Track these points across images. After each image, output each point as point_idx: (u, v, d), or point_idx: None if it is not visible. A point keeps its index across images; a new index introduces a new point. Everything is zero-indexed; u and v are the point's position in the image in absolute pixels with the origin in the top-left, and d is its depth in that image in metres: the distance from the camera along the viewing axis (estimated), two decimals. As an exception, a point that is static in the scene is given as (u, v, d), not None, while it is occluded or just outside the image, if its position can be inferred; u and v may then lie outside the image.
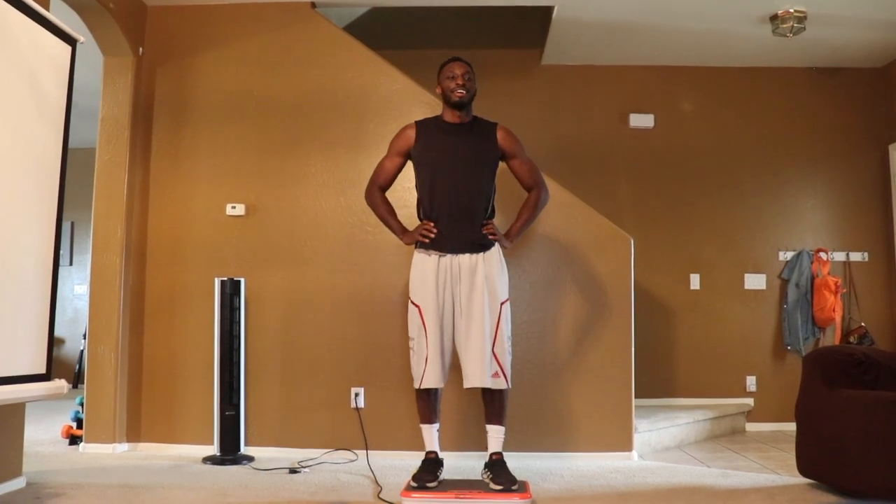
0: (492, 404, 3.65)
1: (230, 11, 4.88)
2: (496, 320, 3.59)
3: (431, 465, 3.62)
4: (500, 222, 3.84)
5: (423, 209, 3.72)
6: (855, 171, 5.97)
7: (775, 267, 5.91)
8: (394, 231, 3.82)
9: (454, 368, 3.68)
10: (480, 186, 3.67)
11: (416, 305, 3.64)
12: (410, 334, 3.67)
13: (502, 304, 3.63)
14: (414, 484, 3.49)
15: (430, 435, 3.70)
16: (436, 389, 3.66)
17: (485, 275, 3.60)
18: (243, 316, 4.51)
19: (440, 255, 3.62)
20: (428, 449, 3.69)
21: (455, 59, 3.73)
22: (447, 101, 3.70)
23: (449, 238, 3.62)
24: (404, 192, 4.57)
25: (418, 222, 3.75)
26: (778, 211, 5.95)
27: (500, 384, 3.57)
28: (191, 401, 4.63)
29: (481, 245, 3.64)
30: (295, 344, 4.65)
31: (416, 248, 3.73)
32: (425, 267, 3.64)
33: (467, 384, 3.57)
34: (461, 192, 3.63)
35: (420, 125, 3.78)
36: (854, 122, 6.00)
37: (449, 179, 3.64)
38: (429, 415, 3.70)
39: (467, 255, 3.62)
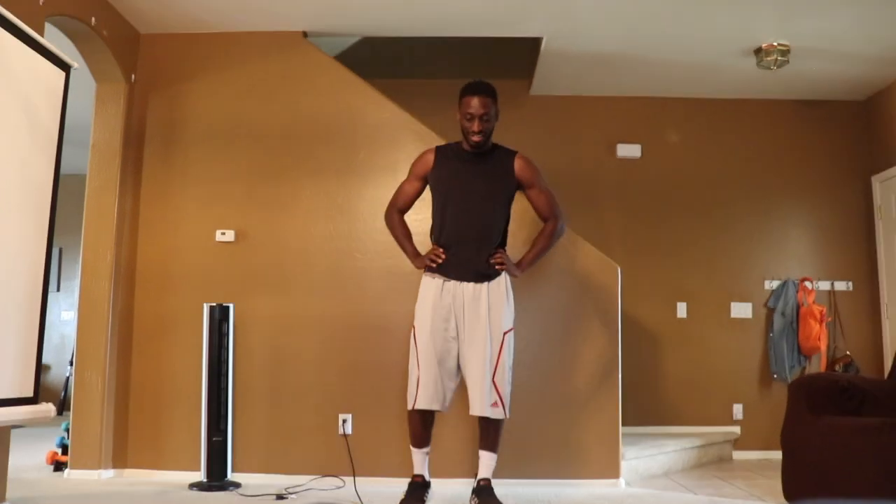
0: (487, 431, 3.64)
1: (222, 40, 4.94)
2: (498, 350, 3.58)
3: (418, 490, 3.62)
4: (514, 249, 3.86)
5: (435, 235, 3.74)
6: (839, 201, 6.05)
7: (761, 296, 5.96)
8: (407, 254, 3.85)
9: (459, 395, 3.69)
10: (492, 217, 3.69)
11: (413, 327, 3.66)
12: (410, 355, 3.69)
13: (505, 333, 3.63)
14: None
15: (420, 459, 3.69)
16: (430, 414, 3.64)
17: (488, 304, 3.60)
18: (231, 342, 4.51)
19: (445, 280, 3.63)
20: (415, 472, 3.69)
21: (474, 92, 3.64)
22: (465, 138, 3.71)
23: (456, 265, 3.63)
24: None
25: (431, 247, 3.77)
26: (763, 240, 6.01)
27: (498, 414, 3.56)
28: (178, 427, 4.61)
29: (486, 275, 3.64)
30: (283, 370, 4.64)
31: (424, 271, 3.74)
32: (428, 290, 3.66)
33: (470, 411, 3.59)
34: (472, 222, 3.65)
35: (439, 151, 3.81)
36: (838, 153, 6.08)
37: (460, 208, 3.65)
38: (419, 439, 3.68)
39: (472, 284, 3.62)
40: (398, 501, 3.56)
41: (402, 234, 3.86)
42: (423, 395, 3.54)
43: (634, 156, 6.07)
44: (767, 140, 6.11)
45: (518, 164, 3.74)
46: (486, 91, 3.65)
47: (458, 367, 3.63)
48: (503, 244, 3.75)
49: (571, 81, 5.87)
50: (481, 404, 3.51)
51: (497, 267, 3.64)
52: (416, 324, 3.66)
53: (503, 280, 3.68)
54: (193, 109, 4.90)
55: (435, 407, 3.57)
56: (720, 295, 5.96)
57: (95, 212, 4.70)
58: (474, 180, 3.67)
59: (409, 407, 3.62)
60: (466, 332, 3.59)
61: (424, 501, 3.58)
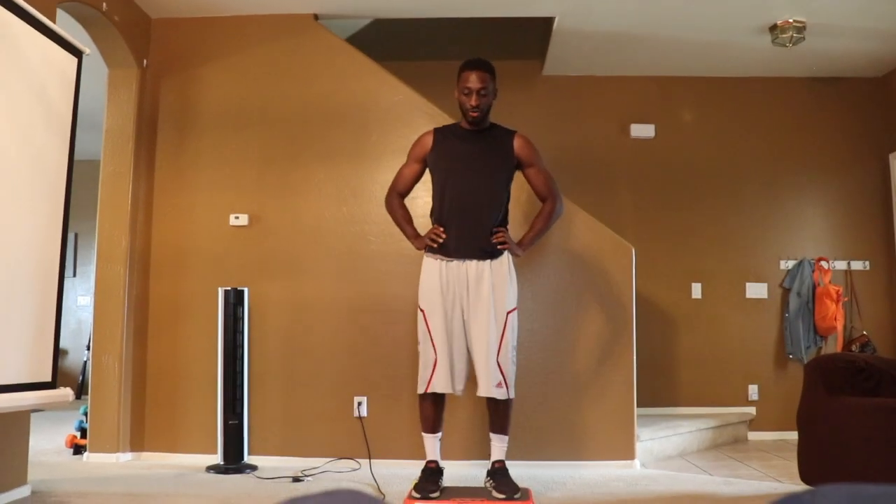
0: (496, 413, 3.63)
1: (233, 23, 4.93)
2: (501, 329, 3.57)
3: (433, 475, 3.61)
4: (513, 230, 3.85)
5: (435, 215, 3.73)
6: (855, 179, 5.99)
7: (776, 276, 5.93)
8: (407, 236, 3.83)
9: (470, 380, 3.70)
10: (492, 194, 3.66)
11: (422, 310, 3.64)
12: (418, 339, 3.67)
13: (508, 313, 3.60)
14: (416, 494, 3.49)
15: (432, 444, 3.68)
16: (441, 397, 3.64)
17: (491, 283, 3.58)
18: (246, 325, 4.53)
19: (448, 261, 3.62)
20: (429, 458, 3.67)
21: (473, 67, 3.64)
22: (463, 114, 3.71)
23: (457, 244, 3.61)
24: (407, 202, 4.61)
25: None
26: (779, 220, 5.97)
27: (502, 394, 3.54)
28: (194, 410, 4.65)
29: (489, 252, 3.62)
30: (298, 353, 4.66)
31: (425, 253, 3.72)
32: (432, 272, 3.64)
33: (478, 392, 3.59)
34: (471, 200, 3.62)
35: (438, 132, 3.80)
36: (854, 131, 6.02)
37: (460, 186, 3.64)
38: (432, 423, 3.67)
39: (475, 262, 3.60)
40: (412, 485, 3.57)
41: (402, 217, 3.83)
42: (441, 377, 3.52)
43: (648, 136, 6.03)
44: (783, 118, 6.05)
45: (518, 143, 3.74)
46: (484, 66, 3.64)
47: (467, 349, 3.62)
48: (504, 223, 3.73)
49: (584, 61, 5.83)
50: (487, 385, 3.51)
51: (499, 246, 3.61)
52: (423, 306, 3.63)
53: (506, 259, 3.66)
54: (206, 94, 4.90)
55: (449, 390, 3.56)
56: (735, 275, 5.93)
57: (109, 197, 4.72)
58: (474, 158, 3.66)
59: (422, 390, 3.59)
60: (470, 312, 3.58)
61: (440, 485, 3.59)
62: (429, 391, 3.57)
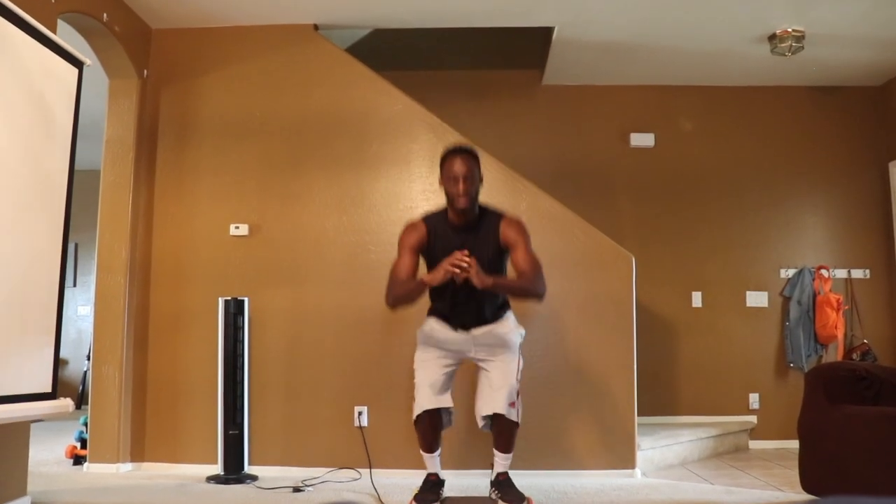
0: (501, 436, 3.53)
1: (233, 34, 4.94)
2: (517, 359, 3.53)
3: (434, 486, 3.60)
4: None
5: (434, 303, 3.67)
6: (855, 188, 6.00)
7: (777, 284, 5.93)
8: (423, 287, 3.44)
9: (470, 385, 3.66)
10: (489, 291, 3.51)
11: (418, 345, 3.63)
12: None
13: (520, 355, 3.58)
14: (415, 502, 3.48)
15: (432, 462, 3.63)
16: (437, 418, 3.52)
17: (502, 332, 3.55)
18: (247, 335, 4.52)
19: (451, 327, 3.58)
20: (429, 471, 3.65)
21: (456, 154, 3.49)
22: (450, 204, 3.51)
23: (462, 324, 3.56)
24: (406, 212, 4.62)
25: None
26: (779, 228, 5.97)
27: (514, 414, 3.45)
28: (194, 420, 4.64)
29: (494, 317, 3.58)
30: (298, 363, 4.66)
31: (427, 316, 3.67)
32: (432, 321, 3.61)
33: (484, 412, 3.48)
34: (469, 297, 3.49)
35: (428, 224, 3.59)
36: (854, 139, 6.03)
37: (458, 286, 3.43)
38: (429, 444, 3.59)
39: (483, 327, 3.57)
40: (412, 495, 3.55)
41: (413, 286, 3.46)
42: (423, 397, 3.47)
43: (648, 145, 6.04)
44: (782, 127, 6.06)
45: (503, 227, 3.52)
46: (467, 152, 3.50)
47: (452, 378, 3.60)
48: (505, 302, 3.67)
49: (584, 71, 5.84)
50: (502, 402, 3.40)
51: (461, 265, 3.28)
52: (420, 340, 3.63)
53: (511, 316, 3.63)
54: (206, 104, 4.91)
55: (433, 405, 3.45)
56: (735, 284, 5.93)
57: (110, 207, 4.73)
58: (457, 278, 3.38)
59: (414, 416, 3.51)
60: (483, 354, 3.54)
61: (440, 496, 3.58)
62: (416, 413, 3.49)
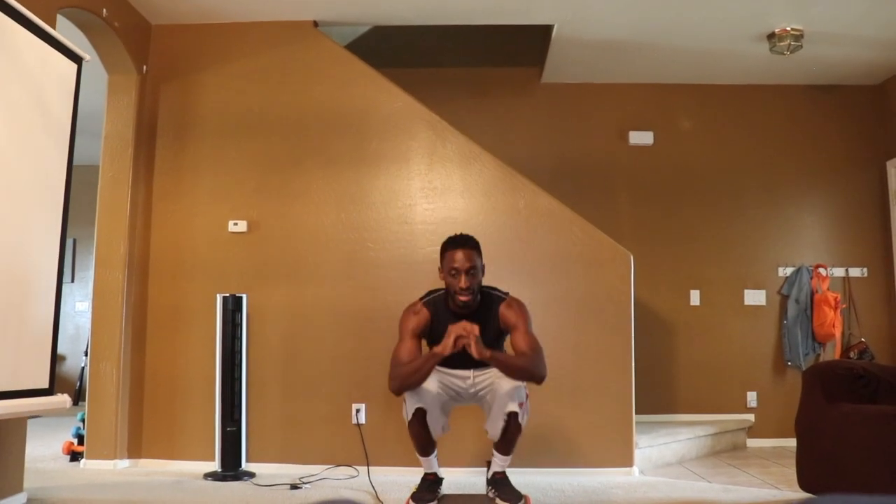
0: (505, 435, 3.48)
1: (233, 30, 4.94)
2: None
3: (431, 485, 3.59)
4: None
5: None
6: (853, 187, 6.00)
7: (775, 283, 5.94)
8: (435, 358, 3.31)
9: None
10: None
11: None
12: None
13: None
14: (414, 502, 3.47)
15: (429, 463, 3.58)
16: (428, 417, 3.44)
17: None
18: (245, 332, 4.52)
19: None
20: (426, 470, 3.61)
21: (457, 246, 3.42)
22: (453, 296, 3.43)
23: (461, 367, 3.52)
24: (405, 209, 4.62)
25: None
26: (777, 227, 5.98)
27: (521, 413, 3.41)
28: (192, 417, 4.64)
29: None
30: (296, 360, 4.66)
31: None
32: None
33: (499, 410, 3.43)
34: (472, 367, 3.49)
35: (431, 310, 3.51)
36: (852, 138, 6.04)
37: (459, 361, 3.41)
38: (423, 446, 3.52)
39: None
40: (410, 493, 3.55)
41: (420, 359, 3.37)
42: (411, 401, 3.39)
43: (647, 143, 6.04)
44: (781, 126, 6.06)
45: (503, 311, 3.48)
46: (469, 243, 3.44)
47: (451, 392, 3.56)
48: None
49: (583, 69, 5.84)
50: (512, 402, 3.36)
51: (461, 339, 3.25)
52: None
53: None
54: (205, 100, 4.90)
55: (421, 403, 3.36)
56: (734, 282, 5.93)
57: (108, 203, 4.72)
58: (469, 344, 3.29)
59: (407, 418, 3.44)
60: (485, 385, 3.51)
61: (438, 494, 3.58)
62: (408, 413, 3.42)
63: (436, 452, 3.60)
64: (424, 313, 3.50)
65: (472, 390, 3.54)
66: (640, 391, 4.63)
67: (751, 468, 4.75)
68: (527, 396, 3.45)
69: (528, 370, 3.36)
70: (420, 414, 3.39)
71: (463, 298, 3.38)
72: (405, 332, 3.48)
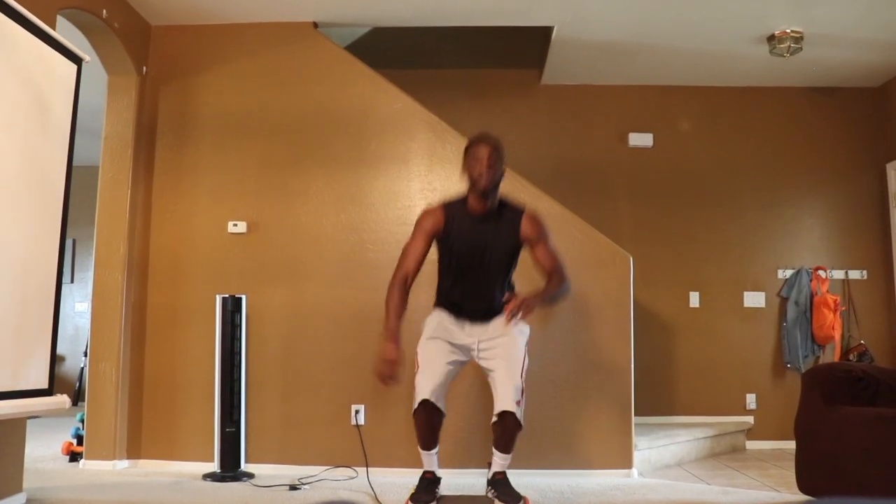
0: (503, 436, 3.51)
1: (233, 31, 4.94)
2: (522, 357, 3.54)
3: (430, 485, 3.58)
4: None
5: (443, 290, 3.66)
6: (853, 189, 6.00)
7: (774, 285, 5.94)
8: (386, 328, 3.47)
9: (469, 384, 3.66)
10: (502, 277, 3.60)
11: (424, 334, 3.60)
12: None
13: (525, 350, 3.58)
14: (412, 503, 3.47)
15: (429, 460, 3.60)
16: (436, 414, 3.46)
17: (509, 329, 3.52)
18: (244, 333, 4.52)
19: (458, 318, 3.59)
20: (426, 469, 3.61)
21: (482, 141, 3.51)
22: (472, 186, 3.50)
23: (469, 315, 3.58)
24: (405, 210, 4.63)
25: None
26: (777, 229, 5.98)
27: (519, 412, 3.44)
28: (191, 417, 4.64)
29: (498, 313, 3.57)
30: (296, 361, 4.66)
31: (434, 307, 3.68)
32: (439, 313, 3.62)
33: (496, 408, 3.47)
34: (482, 283, 3.55)
35: (447, 211, 3.58)
36: (851, 140, 6.04)
37: (470, 271, 3.53)
38: (426, 441, 3.53)
39: (489, 321, 3.58)
40: (408, 495, 3.54)
41: (395, 309, 3.49)
42: (424, 385, 3.42)
43: (646, 145, 6.04)
44: (780, 128, 6.07)
45: (525, 223, 3.56)
46: (492, 140, 3.51)
47: (456, 373, 3.59)
48: (511, 289, 3.69)
49: (583, 70, 5.84)
50: (508, 400, 3.40)
51: (510, 317, 3.34)
52: (424, 334, 3.60)
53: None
54: (205, 101, 4.90)
55: (428, 395, 3.38)
56: (733, 284, 5.93)
57: (108, 204, 4.72)
58: (486, 245, 3.51)
59: (414, 405, 3.45)
60: (487, 347, 3.53)
61: (436, 495, 3.57)
62: (416, 401, 3.44)
63: (437, 450, 3.60)
64: (439, 214, 3.57)
65: (477, 349, 3.56)
66: (640, 393, 4.63)
67: (750, 470, 4.75)
68: (522, 393, 3.47)
69: (564, 289, 3.56)
70: (427, 406, 3.40)
71: (482, 183, 3.43)
72: (417, 230, 3.59)
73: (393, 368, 3.37)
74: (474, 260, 3.52)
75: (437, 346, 3.55)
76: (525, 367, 3.54)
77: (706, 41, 5.23)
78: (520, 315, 3.31)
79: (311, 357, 4.66)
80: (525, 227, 3.55)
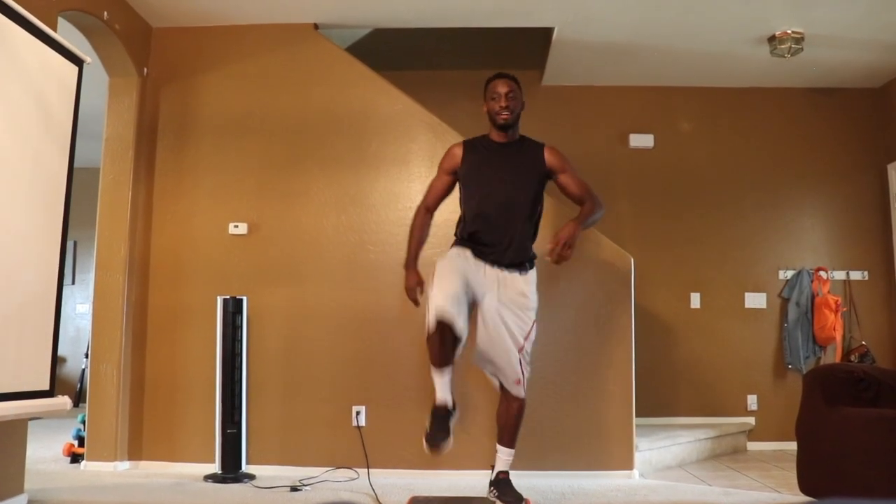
0: (506, 425, 3.55)
1: (234, 32, 4.94)
2: (527, 331, 3.54)
3: (443, 420, 3.32)
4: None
5: (465, 226, 3.65)
6: (854, 190, 6.00)
7: (775, 286, 5.93)
8: (407, 258, 3.73)
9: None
10: (523, 208, 3.61)
11: (437, 268, 3.45)
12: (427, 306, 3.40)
13: (534, 321, 3.58)
14: (428, 446, 3.29)
15: (440, 382, 3.34)
16: (448, 335, 3.24)
17: (521, 288, 3.54)
18: (245, 334, 4.52)
19: (476, 257, 3.57)
20: (437, 398, 3.35)
21: (499, 76, 3.67)
22: (492, 121, 3.67)
23: (490, 253, 3.56)
24: (405, 212, 4.63)
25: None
26: (778, 230, 5.97)
27: (519, 392, 3.52)
28: (192, 419, 4.64)
29: (520, 265, 3.58)
30: (296, 362, 4.66)
31: (452, 245, 3.70)
32: (458, 251, 3.58)
33: (498, 386, 3.57)
34: (505, 213, 3.57)
35: (467, 144, 3.76)
36: (852, 141, 6.04)
37: (493, 199, 3.58)
38: (439, 357, 3.30)
39: (507, 271, 3.56)
40: (423, 435, 3.32)
41: (418, 238, 3.75)
42: (440, 298, 3.24)
43: (647, 146, 6.04)
44: (781, 129, 6.07)
45: (548, 154, 3.72)
46: (510, 76, 3.68)
47: (471, 301, 3.45)
48: (534, 236, 3.70)
49: (583, 71, 5.84)
50: (506, 379, 3.47)
51: (554, 257, 3.41)
52: (438, 269, 3.43)
53: (533, 274, 3.63)
54: (206, 102, 4.91)
55: (447, 315, 3.19)
56: (734, 285, 5.93)
57: (109, 205, 4.72)
58: (503, 171, 3.61)
59: (428, 330, 3.29)
60: (493, 309, 3.47)
61: (450, 431, 3.33)
62: (431, 322, 3.26)
63: (450, 369, 3.37)
64: (458, 148, 3.75)
65: (489, 296, 3.50)
66: (641, 394, 4.63)
67: (751, 471, 4.75)
68: (522, 372, 3.54)
69: (598, 212, 3.71)
70: (442, 328, 3.24)
71: (503, 116, 3.61)
72: (439, 169, 3.81)
73: (415, 294, 3.62)
74: (496, 186, 3.59)
75: (453, 266, 3.44)
76: (532, 338, 3.59)
77: (707, 42, 5.22)
78: (567, 254, 3.44)
79: (312, 358, 4.66)
80: (549, 158, 3.72)
